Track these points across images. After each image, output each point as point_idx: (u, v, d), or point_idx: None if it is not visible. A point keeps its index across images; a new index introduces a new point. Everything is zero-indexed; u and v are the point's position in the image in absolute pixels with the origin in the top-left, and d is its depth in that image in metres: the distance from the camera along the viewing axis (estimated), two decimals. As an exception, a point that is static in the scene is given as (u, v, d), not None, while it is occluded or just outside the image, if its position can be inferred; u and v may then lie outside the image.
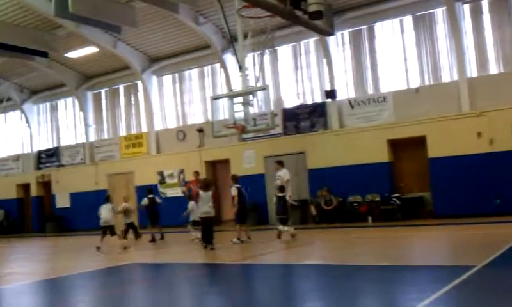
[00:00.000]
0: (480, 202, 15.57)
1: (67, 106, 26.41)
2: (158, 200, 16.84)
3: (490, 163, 15.54)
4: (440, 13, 17.05)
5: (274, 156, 19.13)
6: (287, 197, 15.13)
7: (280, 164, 16.18)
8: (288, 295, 7.54)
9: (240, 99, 14.55)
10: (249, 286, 8.55)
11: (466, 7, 16.69)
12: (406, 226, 15.25)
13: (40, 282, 10.07)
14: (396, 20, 17.79)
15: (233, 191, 13.53)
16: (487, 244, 10.23)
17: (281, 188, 13.79)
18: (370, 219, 16.71)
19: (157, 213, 16.39)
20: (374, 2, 17.66)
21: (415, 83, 17.49)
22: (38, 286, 9.67)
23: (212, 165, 21.35)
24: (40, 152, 26.90)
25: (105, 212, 14.49)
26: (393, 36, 17.93)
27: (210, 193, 13.07)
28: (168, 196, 21.33)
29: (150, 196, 16.59)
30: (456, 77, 16.64)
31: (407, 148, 17.36)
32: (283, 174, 15.65)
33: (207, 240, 12.78)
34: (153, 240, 15.87)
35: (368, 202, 17.14)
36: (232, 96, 14.99)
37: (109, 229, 14.49)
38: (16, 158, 27.72)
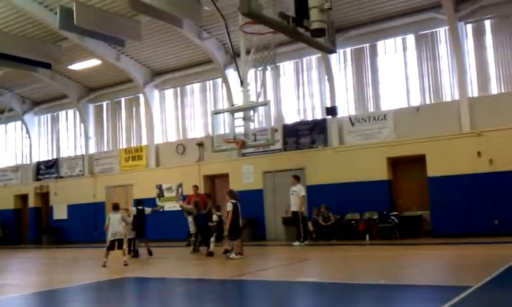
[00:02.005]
0: (479, 222, 15.51)
1: (68, 118, 26.45)
2: (147, 210, 15.98)
3: (490, 183, 15.51)
4: (442, 32, 17.14)
5: (274, 172, 19.21)
6: (299, 214, 15.64)
7: (297, 178, 16.60)
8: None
9: (241, 114, 14.58)
10: (243, 303, 8.47)
11: (469, 27, 16.78)
12: (404, 244, 15.15)
13: (33, 294, 9.98)
14: (398, 39, 17.88)
15: (229, 206, 13.50)
16: (485, 265, 10.15)
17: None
18: (367, 236, 16.63)
19: (143, 225, 15.61)
20: (376, 21, 17.76)
21: (416, 101, 17.52)
22: (32, 299, 9.57)
23: (211, 179, 21.33)
24: (39, 163, 26.89)
25: (115, 223, 13.25)
26: (395, 55, 18.00)
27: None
28: (166, 209, 21.27)
29: (139, 207, 15.97)
30: (457, 97, 16.67)
31: (406, 166, 17.35)
32: (299, 189, 16.21)
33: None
34: (150, 253, 15.58)
35: (367, 220, 17.07)
36: (232, 111, 15.03)
37: (117, 242, 13.23)
38: (16, 169, 27.71)
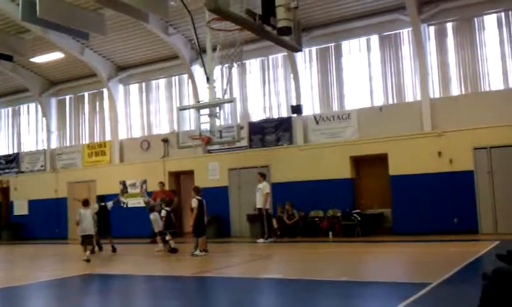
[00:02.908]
0: (439, 220, 15.87)
1: (30, 111, 25.88)
2: (109, 205, 15.94)
3: (449, 182, 15.88)
4: (405, 33, 17.43)
5: (239, 168, 19.23)
6: (263, 211, 15.76)
7: (262, 176, 16.77)
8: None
9: (206, 111, 14.54)
10: (206, 299, 8.49)
11: (432, 29, 17.11)
12: (366, 242, 15.41)
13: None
14: (363, 39, 18.11)
15: (194, 203, 13.47)
16: (444, 262, 10.42)
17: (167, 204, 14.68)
18: (331, 234, 16.83)
19: (107, 222, 15.63)
20: (341, 21, 17.95)
21: (379, 101, 17.80)
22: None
23: (176, 176, 21.21)
24: (-1, 157, 26.26)
25: (85, 219, 13.41)
26: (359, 55, 18.23)
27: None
28: (130, 206, 21.12)
29: (102, 203, 15.87)
30: (419, 97, 16.99)
31: (369, 164, 17.62)
32: (263, 186, 16.34)
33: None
34: (114, 250, 15.44)
35: (330, 217, 17.26)
36: (198, 107, 14.97)
37: (87, 239, 13.43)
38: (-25, 162, 26.98)
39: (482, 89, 16.35)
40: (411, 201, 16.34)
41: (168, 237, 14.34)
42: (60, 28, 16.86)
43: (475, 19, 16.48)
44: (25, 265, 14.51)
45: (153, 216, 14.89)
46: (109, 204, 15.96)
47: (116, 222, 16.73)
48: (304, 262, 12.10)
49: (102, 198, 16.46)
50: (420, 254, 12.58)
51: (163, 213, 14.43)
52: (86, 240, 13.52)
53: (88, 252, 13.34)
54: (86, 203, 14.05)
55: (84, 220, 13.48)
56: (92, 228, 13.72)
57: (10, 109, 26.38)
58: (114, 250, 15.34)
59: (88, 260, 13.00)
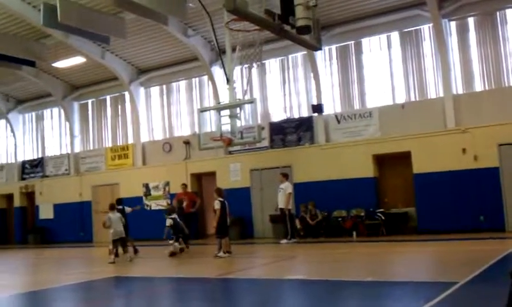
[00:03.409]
0: (465, 218, 15.66)
1: (53, 116, 26.23)
2: (128, 210, 15.80)
3: (474, 179, 15.66)
4: (426, 29, 17.24)
5: (261, 169, 19.21)
6: (286, 211, 15.71)
7: (285, 176, 16.70)
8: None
9: (227, 112, 14.56)
10: (232, 301, 8.48)
11: (453, 25, 16.89)
12: (391, 241, 15.26)
13: (19, 295, 9.90)
14: (383, 36, 17.95)
15: (216, 204, 13.46)
16: (470, 260, 10.25)
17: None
18: (354, 234, 16.70)
19: (125, 225, 15.04)
20: (361, 18, 17.82)
21: (401, 99, 17.62)
22: (17, 300, 9.49)
23: (198, 177, 21.28)
24: (24, 162, 26.63)
25: (116, 222, 13.57)
26: (380, 52, 18.07)
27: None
28: (153, 208, 21.24)
29: (120, 206, 15.60)
30: (441, 94, 16.78)
31: (392, 163, 17.45)
32: (286, 186, 16.30)
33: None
34: (136, 251, 15.43)
35: (353, 217, 17.14)
36: (219, 108, 14.99)
37: (120, 242, 13.65)
38: (0, 168, 27.43)
39: (506, 85, 16.09)
40: (436, 200, 16.13)
41: (171, 241, 14.26)
42: (81, 33, 17.08)
43: (497, 13, 16.22)
44: (52, 268, 14.69)
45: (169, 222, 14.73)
46: (128, 209, 15.95)
47: (139, 225, 16.84)
48: (328, 263, 12.02)
49: (119, 201, 16.50)
50: (446, 253, 12.41)
51: (168, 222, 14.31)
52: (119, 243, 13.72)
53: (112, 256, 13.58)
54: (112, 207, 14.20)
55: (115, 223, 13.65)
56: (123, 230, 13.83)
57: (34, 113, 26.76)
58: (136, 251, 15.35)
59: (113, 262, 13.28)
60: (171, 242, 14.42)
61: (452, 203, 15.92)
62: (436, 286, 7.82)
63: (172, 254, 14.07)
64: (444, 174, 16.10)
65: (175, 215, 14.52)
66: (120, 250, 13.99)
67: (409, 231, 16.60)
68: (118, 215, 13.97)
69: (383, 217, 16.63)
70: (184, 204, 16.66)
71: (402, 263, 11.38)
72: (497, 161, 15.46)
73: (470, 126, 15.94)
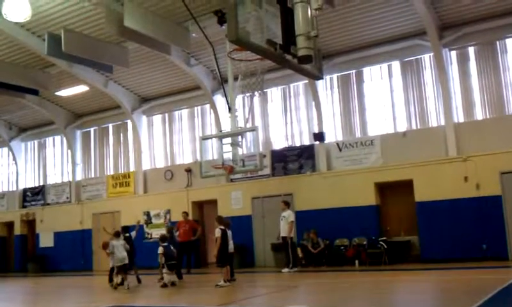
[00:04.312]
0: (467, 247, 15.56)
1: (55, 144, 26.31)
2: (133, 235, 15.77)
3: (477, 208, 15.61)
4: (427, 59, 17.39)
5: (262, 197, 19.18)
6: (288, 239, 15.60)
7: (286, 204, 16.63)
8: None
9: (229, 140, 14.62)
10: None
11: (453, 54, 17.05)
12: (393, 270, 15.14)
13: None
14: (384, 65, 18.10)
15: (217, 233, 13.39)
16: (473, 290, 10.16)
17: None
18: (357, 262, 16.58)
19: (131, 253, 15.02)
20: (362, 48, 17.99)
21: (403, 127, 17.67)
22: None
23: (200, 205, 21.24)
24: (25, 190, 26.62)
25: (119, 250, 13.69)
26: (381, 81, 18.20)
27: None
28: (154, 236, 21.11)
29: (126, 234, 15.55)
30: (442, 122, 16.84)
31: (394, 191, 17.41)
32: (288, 214, 16.22)
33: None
34: (139, 281, 15.30)
35: (355, 245, 17.05)
36: (221, 136, 15.06)
37: (123, 269, 13.70)
38: (1, 196, 27.40)
39: (507, 113, 16.16)
40: (439, 228, 16.07)
41: (164, 270, 13.91)
42: (84, 62, 17.25)
43: (497, 43, 16.38)
44: (52, 298, 14.55)
45: (161, 250, 14.49)
46: (133, 233, 15.93)
47: (140, 253, 16.72)
48: (330, 292, 11.91)
49: (126, 229, 16.44)
50: (449, 282, 12.29)
51: (160, 250, 14.00)
52: (123, 270, 13.76)
53: (115, 280, 13.74)
54: (117, 235, 14.39)
55: (117, 250, 13.75)
56: (126, 257, 13.86)
57: (36, 141, 26.85)
58: (139, 281, 15.26)
59: (115, 288, 13.49)
60: (164, 270, 14.17)
61: (454, 231, 15.84)
62: (440, 316, 7.74)
63: (164, 286, 13.82)
64: (446, 203, 16.05)
65: (166, 243, 14.32)
66: (124, 277, 13.87)
67: (412, 260, 16.49)
68: (122, 242, 14.01)
69: (385, 246, 16.52)
70: (177, 233, 16.54)
71: (404, 292, 11.27)
72: (499, 189, 15.44)
73: (472, 154, 15.96)
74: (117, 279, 13.79)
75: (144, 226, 21.74)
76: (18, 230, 26.25)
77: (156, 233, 21.05)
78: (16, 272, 25.33)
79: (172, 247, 14.39)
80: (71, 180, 24.92)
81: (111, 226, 20.42)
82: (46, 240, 25.01)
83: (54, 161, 26.35)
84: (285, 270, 16.07)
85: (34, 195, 26.18)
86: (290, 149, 19.38)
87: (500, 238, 15.21)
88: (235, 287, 13.19)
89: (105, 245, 14.27)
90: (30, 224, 26.11)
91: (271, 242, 18.16)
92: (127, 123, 23.55)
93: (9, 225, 26.79)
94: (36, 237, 25.55)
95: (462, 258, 15.30)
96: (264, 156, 18.06)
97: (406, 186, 16.74)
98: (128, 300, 12.39)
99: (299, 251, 17.21)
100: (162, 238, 14.66)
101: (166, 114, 22.69)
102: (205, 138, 17.69)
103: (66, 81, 20.60)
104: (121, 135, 24.03)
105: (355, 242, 17.12)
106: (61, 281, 19.68)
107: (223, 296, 11.97)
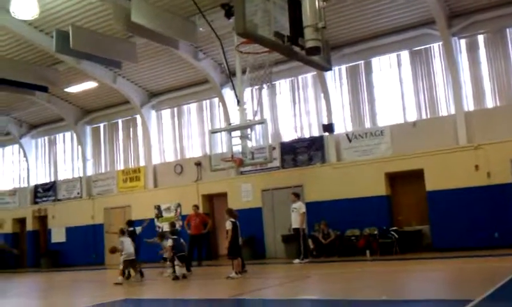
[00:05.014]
0: (479, 235, 15.51)
1: (65, 140, 26.48)
2: (138, 230, 15.85)
3: (488, 196, 15.55)
4: (436, 47, 17.28)
5: (272, 189, 19.20)
6: (300, 230, 15.61)
7: (297, 196, 16.61)
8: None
9: (238, 133, 14.64)
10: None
11: (463, 42, 16.93)
12: (405, 259, 15.12)
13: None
14: (393, 55, 18.01)
15: (228, 225, 13.43)
16: (486, 277, 10.14)
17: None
18: (368, 252, 16.59)
19: (136, 247, 15.07)
20: (370, 38, 17.91)
21: (412, 117, 17.60)
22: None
23: (209, 199, 21.30)
24: (36, 186, 26.84)
25: (127, 245, 14.07)
26: (390, 71, 18.12)
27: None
28: (165, 230, 21.19)
29: (130, 228, 15.69)
30: (452, 111, 16.76)
31: (405, 181, 17.37)
32: (299, 206, 16.19)
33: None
34: (142, 275, 15.18)
35: (366, 236, 17.04)
36: (230, 130, 15.08)
37: (130, 263, 14.05)
38: (13, 192, 27.65)
39: (518, 101, 16.04)
40: (450, 217, 16.02)
41: (176, 262, 14.00)
42: (93, 58, 17.31)
43: (507, 30, 16.25)
44: (65, 292, 14.68)
45: (167, 243, 14.58)
46: (138, 229, 15.96)
47: (151, 248, 16.78)
48: (342, 282, 11.93)
49: (131, 223, 16.47)
50: (461, 270, 12.27)
51: (170, 242, 14.09)
52: (130, 264, 14.05)
53: (120, 277, 13.81)
54: (123, 232, 14.68)
55: (126, 246, 14.03)
56: (133, 252, 14.16)
57: (46, 138, 27.03)
58: (142, 275, 15.16)
59: (120, 283, 13.52)
60: (168, 263, 14.31)
61: (466, 219, 15.79)
62: (451, 304, 7.75)
63: (176, 278, 13.90)
64: (457, 191, 16.00)
65: (176, 236, 14.43)
66: (132, 272, 14.27)
67: (424, 249, 16.46)
68: (129, 238, 14.29)
69: (397, 236, 16.51)
70: (177, 226, 16.62)
71: (416, 281, 11.27)
72: (510, 177, 15.36)
73: (482, 142, 15.88)
74: (121, 274, 14.00)
75: (155, 219, 21.84)
76: (30, 226, 26.51)
77: (167, 227, 21.17)
78: (29, 268, 25.57)
79: (182, 240, 14.49)
80: (82, 175, 25.08)
81: (122, 221, 20.54)
82: (58, 236, 25.22)
83: (64, 157, 26.53)
84: (296, 261, 16.11)
85: (45, 191, 26.38)
86: (300, 141, 19.38)
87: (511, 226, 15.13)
88: (247, 279, 13.24)
89: (114, 250, 14.55)
90: (42, 220, 26.34)
91: (282, 234, 18.19)
92: (136, 118, 23.64)
93: (22, 221, 27.04)
94: (48, 233, 25.78)
95: (474, 246, 15.25)
96: (273, 148, 18.05)
97: (417, 175, 16.70)
98: (139, 293, 12.49)
99: (310, 242, 17.23)
100: (172, 232, 14.78)
101: (175, 108, 22.74)
102: (214, 131, 17.72)
103: (75, 77, 20.70)
104: (131, 130, 24.13)
105: (366, 232, 17.12)
106: (74, 276, 19.82)
107: (235, 287, 12.03)
